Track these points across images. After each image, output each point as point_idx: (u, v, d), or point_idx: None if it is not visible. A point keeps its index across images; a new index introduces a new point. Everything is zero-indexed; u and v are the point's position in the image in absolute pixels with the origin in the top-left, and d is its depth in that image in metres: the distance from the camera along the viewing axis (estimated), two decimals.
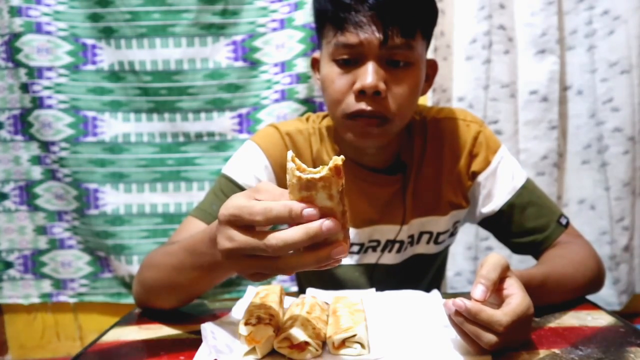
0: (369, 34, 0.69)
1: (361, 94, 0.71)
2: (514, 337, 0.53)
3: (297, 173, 0.43)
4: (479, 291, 0.52)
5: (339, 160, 0.43)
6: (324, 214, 0.44)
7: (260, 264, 0.47)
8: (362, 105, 0.71)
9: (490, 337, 0.51)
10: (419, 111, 0.89)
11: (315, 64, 0.84)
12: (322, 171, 0.43)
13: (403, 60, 0.71)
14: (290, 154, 0.44)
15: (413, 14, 0.70)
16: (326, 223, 0.43)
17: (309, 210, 0.43)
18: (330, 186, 0.43)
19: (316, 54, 0.83)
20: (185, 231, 0.78)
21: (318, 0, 0.75)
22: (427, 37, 0.77)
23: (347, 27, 0.70)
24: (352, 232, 0.86)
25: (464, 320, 0.52)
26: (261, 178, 0.83)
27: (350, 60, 0.72)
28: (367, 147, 0.80)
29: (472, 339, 0.52)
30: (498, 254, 0.56)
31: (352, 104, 0.72)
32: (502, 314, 0.51)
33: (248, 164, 0.85)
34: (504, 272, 0.55)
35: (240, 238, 0.45)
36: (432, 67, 0.83)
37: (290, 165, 0.44)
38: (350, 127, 0.74)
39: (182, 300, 0.71)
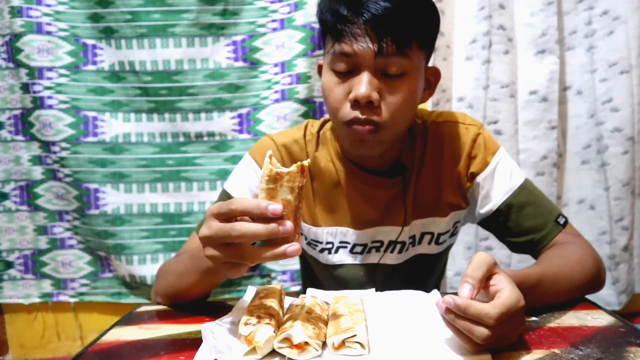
0: (364, 46, 0.70)
1: (356, 103, 0.73)
2: (506, 329, 0.53)
3: (269, 166, 0.54)
4: (465, 290, 0.53)
5: (305, 162, 0.55)
6: (283, 205, 0.54)
7: (229, 252, 0.55)
8: (357, 114, 0.73)
9: (482, 331, 0.51)
10: (420, 115, 0.90)
11: (320, 70, 0.86)
12: (290, 168, 0.54)
13: (397, 70, 0.73)
14: (269, 152, 0.55)
15: (408, 26, 0.71)
16: (282, 228, 0.53)
17: (275, 206, 0.53)
18: (293, 180, 0.54)
19: (321, 61, 0.84)
20: (188, 248, 0.86)
21: (321, 10, 0.77)
22: (427, 47, 0.77)
23: (344, 38, 0.72)
24: (355, 233, 0.88)
25: (454, 317, 0.52)
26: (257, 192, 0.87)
27: (346, 70, 0.74)
28: (363, 154, 0.81)
29: (466, 335, 0.52)
30: (484, 252, 0.57)
31: (348, 112, 0.74)
32: (491, 307, 0.51)
33: (245, 179, 0.88)
34: (491, 270, 0.55)
35: (216, 226, 0.54)
36: (435, 74, 0.83)
37: (266, 160, 0.55)
38: (347, 135, 0.77)
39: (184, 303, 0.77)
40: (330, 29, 0.74)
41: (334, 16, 0.72)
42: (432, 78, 0.83)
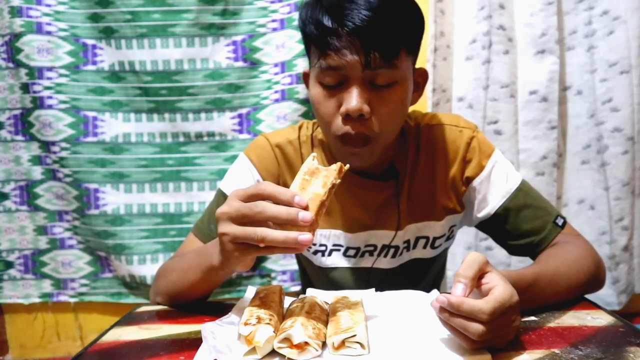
0: (351, 59, 0.69)
1: (347, 117, 0.72)
2: (501, 325, 0.53)
3: (312, 162, 0.60)
4: (458, 289, 0.53)
5: (346, 166, 0.60)
6: (311, 198, 0.57)
7: (243, 229, 0.56)
8: (348, 129, 0.72)
9: (476, 327, 0.51)
10: (413, 117, 0.89)
11: (306, 78, 0.85)
12: (331, 166, 0.59)
13: (386, 81, 0.71)
14: (313, 154, 0.62)
15: (394, 36, 0.70)
16: (301, 214, 0.54)
17: (302, 197, 0.56)
18: (329, 176, 0.59)
19: (306, 69, 0.84)
20: (186, 248, 0.86)
21: (303, 21, 0.75)
22: (414, 51, 0.76)
23: (329, 52, 0.70)
24: (348, 236, 0.88)
25: (449, 315, 0.53)
26: None
27: (334, 84, 0.72)
28: (355, 167, 0.79)
29: (463, 333, 0.52)
30: (476, 252, 0.57)
31: (339, 126, 0.73)
32: (484, 302, 0.52)
33: (240, 178, 0.88)
34: (483, 269, 0.56)
35: (237, 204, 0.57)
36: (423, 75, 0.82)
37: (309, 158, 0.61)
38: (339, 149, 0.76)
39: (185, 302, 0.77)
40: (314, 41, 0.72)
41: (317, 28, 0.71)
42: (421, 79, 0.82)
